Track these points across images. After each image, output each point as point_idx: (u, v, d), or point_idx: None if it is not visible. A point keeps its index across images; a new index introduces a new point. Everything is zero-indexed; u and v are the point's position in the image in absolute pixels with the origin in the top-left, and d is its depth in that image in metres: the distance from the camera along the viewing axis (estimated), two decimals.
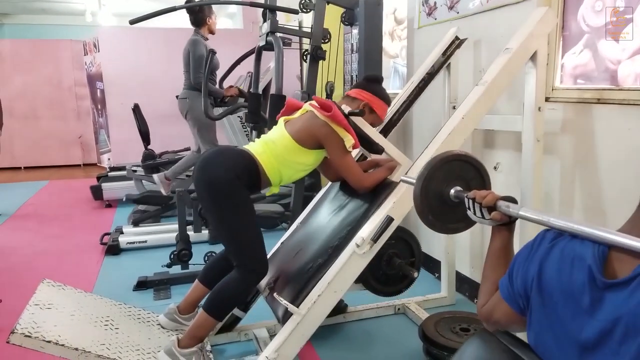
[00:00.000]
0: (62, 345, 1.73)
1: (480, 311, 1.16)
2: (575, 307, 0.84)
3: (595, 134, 2.05)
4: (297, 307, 1.85)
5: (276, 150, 2.00)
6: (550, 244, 0.94)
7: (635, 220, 0.89)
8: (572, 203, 2.19)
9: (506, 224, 1.20)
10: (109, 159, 7.35)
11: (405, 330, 2.54)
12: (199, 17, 4.19)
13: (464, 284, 2.94)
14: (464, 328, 2.23)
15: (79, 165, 8.47)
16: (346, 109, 2.06)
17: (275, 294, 1.94)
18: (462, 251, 2.93)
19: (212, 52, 3.93)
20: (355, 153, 2.34)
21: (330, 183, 2.47)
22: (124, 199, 4.95)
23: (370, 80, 2.23)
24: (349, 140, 1.96)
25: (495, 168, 2.65)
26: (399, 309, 2.73)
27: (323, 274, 1.91)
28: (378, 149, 2.15)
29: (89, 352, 1.76)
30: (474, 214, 1.23)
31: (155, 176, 4.44)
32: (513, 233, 1.23)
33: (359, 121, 2.09)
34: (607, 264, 0.84)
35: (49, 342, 1.72)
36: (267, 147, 2.01)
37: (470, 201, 1.23)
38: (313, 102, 2.06)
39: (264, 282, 2.12)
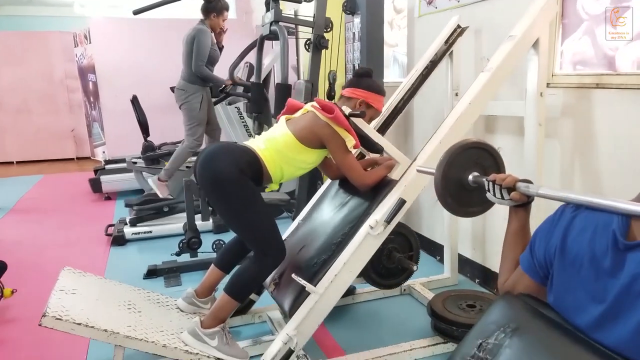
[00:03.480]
0: (92, 327, 1.80)
1: (501, 288, 1.26)
2: (597, 270, 0.92)
3: (594, 117, 2.15)
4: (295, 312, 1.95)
5: (278, 147, 2.04)
6: (572, 214, 1.03)
7: None
8: (572, 183, 2.29)
9: (523, 205, 1.29)
10: (103, 152, 7.34)
11: (411, 309, 2.65)
12: (209, 7, 4.16)
13: (465, 266, 3.05)
14: (470, 305, 2.33)
15: (72, 159, 8.44)
16: (346, 110, 2.12)
17: (293, 274, 2.02)
18: (464, 234, 3.03)
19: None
20: (354, 152, 2.41)
21: (329, 181, 2.54)
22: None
23: (361, 75, 2.27)
24: (350, 140, 2.03)
25: None
26: (404, 289, 2.83)
27: (327, 270, 1.98)
28: (378, 149, 2.24)
29: (118, 333, 1.83)
30: (494, 195, 1.31)
31: (149, 180, 4.45)
32: (529, 213, 1.32)
33: (359, 121, 2.15)
34: (629, 230, 0.92)
35: (79, 324, 1.78)
36: (269, 143, 2.06)
37: (491, 184, 1.32)
38: (314, 103, 2.11)
39: (269, 278, 2.19)
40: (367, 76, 2.27)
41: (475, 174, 1.48)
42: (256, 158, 2.02)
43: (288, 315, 2.01)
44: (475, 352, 0.98)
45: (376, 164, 2.30)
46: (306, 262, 2.13)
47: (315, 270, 2.04)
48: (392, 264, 2.34)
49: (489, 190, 1.33)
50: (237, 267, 2.17)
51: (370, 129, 2.20)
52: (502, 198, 1.29)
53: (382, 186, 2.12)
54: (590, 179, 2.20)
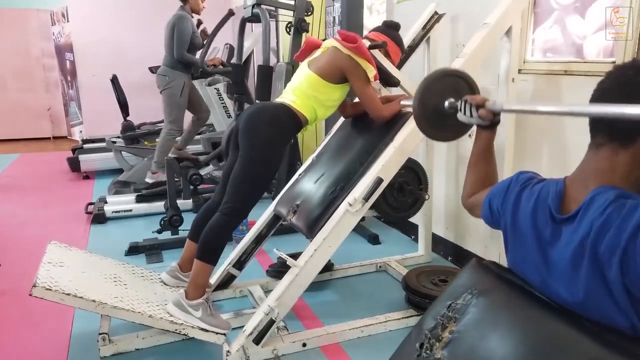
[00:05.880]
0: (81, 297, 1.86)
1: (464, 202, 1.41)
2: (539, 240, 1.02)
3: (562, 102, 2.27)
4: (317, 232, 2.08)
5: (306, 91, 2.16)
6: (520, 187, 1.12)
7: (582, 164, 1.07)
8: (540, 163, 2.42)
9: (490, 127, 1.38)
10: (80, 131, 7.28)
11: (387, 285, 2.77)
12: None
13: (439, 244, 3.18)
14: (443, 279, 2.45)
15: (48, 138, 8.32)
16: (366, 43, 2.21)
17: (275, 249, 2.11)
18: (438, 214, 3.16)
19: (200, 22, 4.01)
20: None
21: (342, 120, 2.64)
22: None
23: (389, 25, 2.37)
24: (371, 70, 2.13)
25: (470, 135, 2.85)
26: (380, 266, 2.95)
27: (345, 197, 2.11)
28: (394, 82, 2.33)
29: (106, 303, 1.89)
30: (464, 114, 1.38)
31: (147, 179, 4.47)
32: (494, 136, 1.41)
33: (378, 56, 2.24)
34: (563, 201, 1.02)
35: (68, 294, 1.84)
36: (297, 92, 2.18)
37: (462, 102, 1.39)
38: (336, 36, 2.21)
39: (286, 209, 2.34)
40: (395, 28, 2.36)
41: (451, 100, 1.53)
42: (290, 111, 2.14)
43: (309, 236, 2.12)
44: (445, 311, 1.08)
45: (388, 102, 2.37)
46: (325, 189, 2.24)
47: (333, 196, 2.17)
48: (402, 197, 2.46)
49: (460, 110, 1.40)
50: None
51: (387, 62, 2.29)
52: (471, 116, 1.36)
53: (397, 119, 2.24)
54: (557, 159, 2.33)
